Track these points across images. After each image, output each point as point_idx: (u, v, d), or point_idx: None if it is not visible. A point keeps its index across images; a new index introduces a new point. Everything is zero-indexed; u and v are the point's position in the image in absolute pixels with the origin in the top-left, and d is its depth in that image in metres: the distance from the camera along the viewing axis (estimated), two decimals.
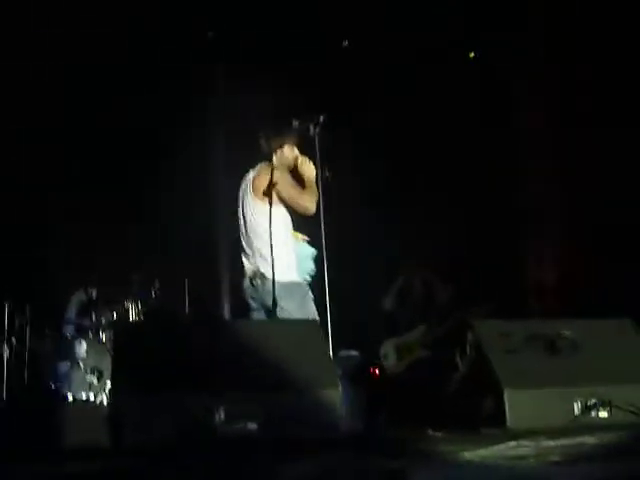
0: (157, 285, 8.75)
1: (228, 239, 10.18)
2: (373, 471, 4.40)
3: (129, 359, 5.25)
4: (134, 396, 4.98)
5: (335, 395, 5.18)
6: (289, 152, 6.04)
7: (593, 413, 5.79)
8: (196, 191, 10.10)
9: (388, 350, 7.74)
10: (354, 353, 7.54)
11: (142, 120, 9.73)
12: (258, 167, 6.01)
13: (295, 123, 6.14)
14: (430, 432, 5.70)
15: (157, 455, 4.71)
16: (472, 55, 10.42)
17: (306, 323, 5.80)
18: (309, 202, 5.81)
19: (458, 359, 6.53)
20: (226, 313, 10.37)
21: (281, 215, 5.88)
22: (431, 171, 9.80)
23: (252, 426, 4.83)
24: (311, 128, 6.06)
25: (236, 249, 10.22)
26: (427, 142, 9.81)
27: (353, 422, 6.98)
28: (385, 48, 9.70)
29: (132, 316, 8.35)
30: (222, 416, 4.85)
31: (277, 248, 5.71)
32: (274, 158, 5.95)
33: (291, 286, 5.85)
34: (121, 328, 6.40)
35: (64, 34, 9.16)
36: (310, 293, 5.99)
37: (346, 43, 10.10)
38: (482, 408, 5.82)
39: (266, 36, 9.69)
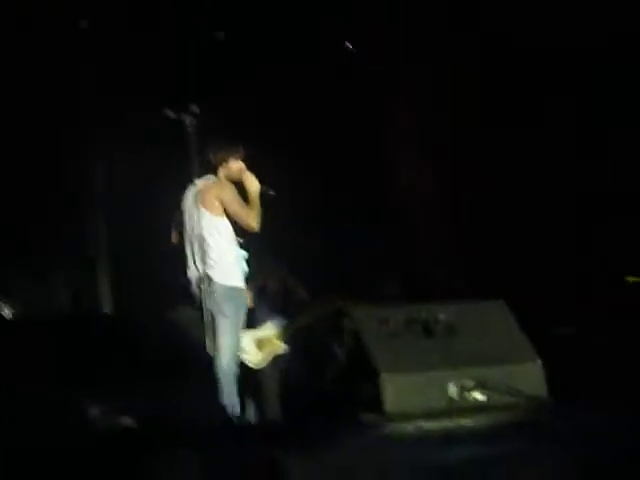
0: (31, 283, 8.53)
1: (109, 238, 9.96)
2: (251, 460, 4.39)
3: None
4: (7, 396, 4.85)
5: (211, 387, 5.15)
6: (234, 165, 6.17)
7: (469, 395, 5.88)
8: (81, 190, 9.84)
9: (246, 343, 7.78)
10: None
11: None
12: (205, 180, 6.14)
13: (170, 113, 6.11)
14: (310, 419, 5.72)
15: (36, 452, 4.60)
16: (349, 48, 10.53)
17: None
18: (254, 221, 6.08)
19: (336, 347, 6.56)
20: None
21: (227, 226, 6.13)
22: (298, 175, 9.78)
23: (126, 420, 4.77)
24: (186, 118, 6.07)
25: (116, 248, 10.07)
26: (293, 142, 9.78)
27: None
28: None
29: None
30: (96, 411, 4.77)
31: (223, 256, 6.05)
32: (220, 171, 6.14)
33: (232, 291, 6.08)
34: None
35: None
36: (246, 299, 6.23)
37: None
38: (361, 394, 5.86)
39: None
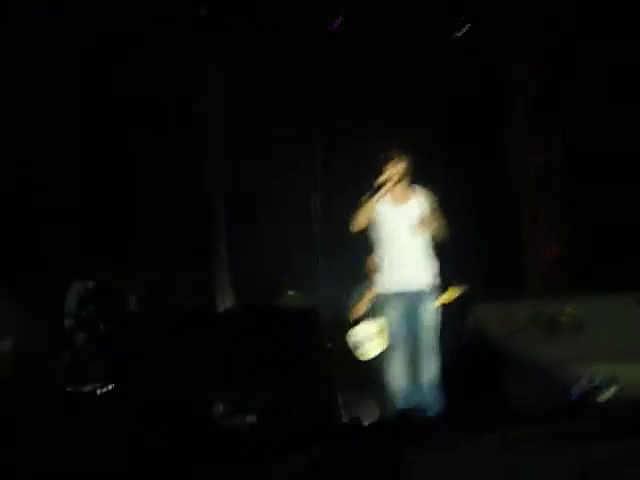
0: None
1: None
2: (378, 457, 4.34)
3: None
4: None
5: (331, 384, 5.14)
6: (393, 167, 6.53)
7: (598, 392, 5.74)
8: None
9: (362, 336, 7.94)
10: None
11: None
12: None
13: None
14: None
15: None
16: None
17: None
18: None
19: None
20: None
21: None
22: None
23: (251, 418, 4.79)
24: None
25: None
26: None
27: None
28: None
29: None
30: (221, 409, 4.80)
31: None
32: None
33: None
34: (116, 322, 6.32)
35: None
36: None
37: None
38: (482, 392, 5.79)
39: None
